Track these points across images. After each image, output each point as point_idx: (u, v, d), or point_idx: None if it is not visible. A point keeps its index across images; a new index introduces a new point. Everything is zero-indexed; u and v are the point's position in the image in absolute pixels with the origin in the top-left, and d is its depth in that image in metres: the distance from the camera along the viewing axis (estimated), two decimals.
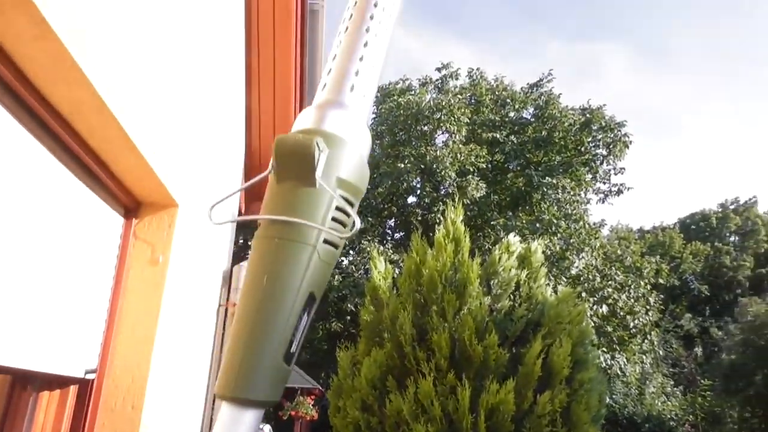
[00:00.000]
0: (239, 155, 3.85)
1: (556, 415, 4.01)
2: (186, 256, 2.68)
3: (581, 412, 4.08)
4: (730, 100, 56.64)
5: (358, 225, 0.78)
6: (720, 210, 39.63)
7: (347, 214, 0.78)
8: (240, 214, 4.16)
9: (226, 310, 3.63)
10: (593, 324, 14.20)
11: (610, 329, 14.97)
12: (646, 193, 63.55)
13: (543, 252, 5.25)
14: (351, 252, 14.60)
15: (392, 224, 16.85)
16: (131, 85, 1.83)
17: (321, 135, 0.79)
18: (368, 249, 12.39)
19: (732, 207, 39.52)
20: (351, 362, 4.60)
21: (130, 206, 2.36)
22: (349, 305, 13.38)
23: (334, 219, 0.77)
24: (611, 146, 16.39)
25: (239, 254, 15.48)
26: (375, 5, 0.93)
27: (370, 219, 15.14)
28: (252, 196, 4.36)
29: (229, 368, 0.73)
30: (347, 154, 0.80)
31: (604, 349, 14.77)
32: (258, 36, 3.44)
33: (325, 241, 0.76)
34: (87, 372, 2.13)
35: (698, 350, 26.41)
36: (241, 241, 16.60)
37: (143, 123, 1.96)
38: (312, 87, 4.08)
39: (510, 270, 4.88)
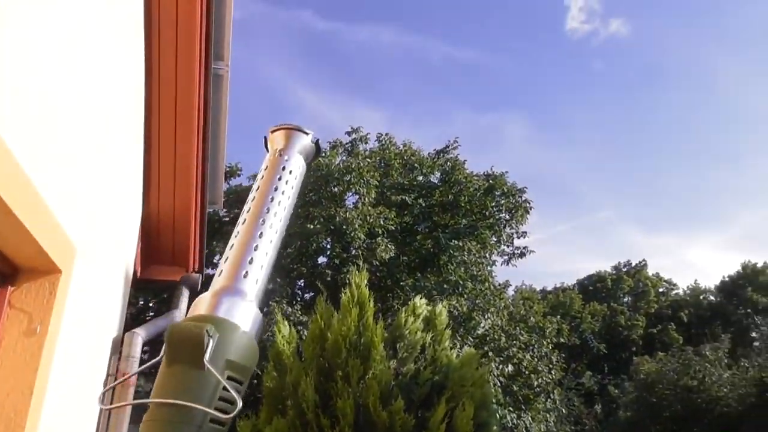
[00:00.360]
0: (135, 217, 3.71)
1: None
2: (70, 324, 2.52)
3: None
4: (620, 169, 61.17)
5: (239, 407, 0.81)
6: (614, 272, 41.93)
7: (238, 392, 0.82)
8: (135, 275, 3.97)
9: (115, 380, 3.40)
10: (500, 383, 14.41)
11: (516, 388, 15.24)
12: (548, 255, 66.57)
13: (450, 312, 5.34)
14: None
15: (302, 284, 16.63)
16: (8, 140, 1.73)
17: (212, 321, 0.84)
18: (275, 311, 12.11)
19: (625, 269, 41.94)
20: None
21: (6, 273, 2.20)
22: (255, 369, 12.91)
23: (221, 399, 0.81)
24: (513, 211, 17.15)
25: (138, 316, 14.69)
26: (271, 199, 1.03)
27: (278, 280, 14.86)
28: (149, 260, 4.18)
29: None
30: (237, 338, 0.86)
31: (511, 408, 14.98)
32: (159, 99, 3.38)
33: (212, 420, 0.79)
34: None
35: (598, 407, 27.29)
36: (141, 303, 15.80)
37: (20, 184, 1.85)
38: (215, 152, 4.04)
39: (416, 333, 4.90)
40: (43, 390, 2.26)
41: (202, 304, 0.91)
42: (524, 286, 34.99)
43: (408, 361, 4.71)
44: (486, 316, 15.00)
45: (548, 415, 16.69)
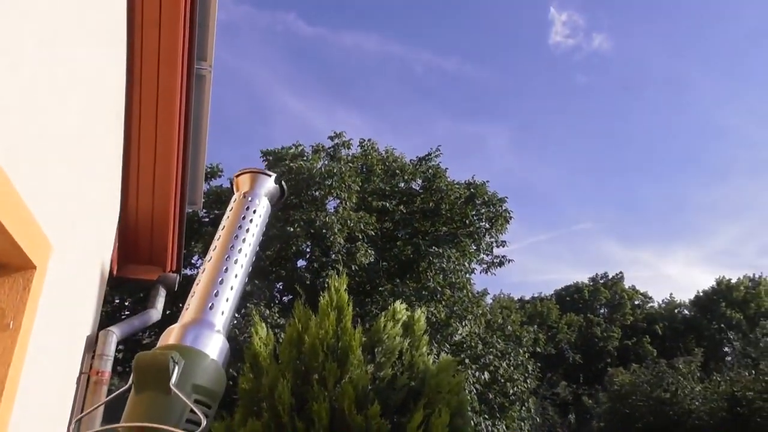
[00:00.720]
0: (113, 215, 3.68)
1: None
2: (43, 320, 2.49)
3: None
4: (601, 182, 61.95)
5: (203, 425, 0.85)
6: (591, 283, 42.33)
7: (205, 415, 0.87)
8: (111, 274, 3.93)
9: (88, 378, 3.37)
10: (476, 391, 14.47)
11: (491, 396, 15.30)
12: (527, 265, 67.07)
13: (428, 318, 5.36)
14: (236, 315, 14.00)
15: (280, 287, 16.54)
16: None
17: (179, 350, 0.89)
18: (253, 313, 12.03)
19: (602, 281, 42.35)
20: None
21: None
22: (231, 370, 12.80)
23: (188, 420, 0.85)
24: (493, 220, 17.23)
25: (114, 315, 14.50)
26: (236, 237, 1.10)
27: (257, 282, 14.79)
28: (126, 258, 4.15)
29: None
30: (203, 364, 0.91)
31: (486, 415, 15.04)
32: (140, 98, 3.37)
33: None
34: None
35: (572, 417, 27.51)
36: (117, 301, 15.61)
37: None
38: (196, 152, 4.03)
39: (395, 338, 4.91)
40: (15, 385, 2.23)
41: (170, 335, 0.96)
42: (502, 295, 35.23)
43: (385, 366, 4.72)
44: (463, 324, 15.06)
45: (523, 424, 16.78)
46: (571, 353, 34.84)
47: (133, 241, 4.09)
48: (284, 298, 16.38)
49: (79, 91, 2.59)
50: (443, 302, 14.99)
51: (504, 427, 15.25)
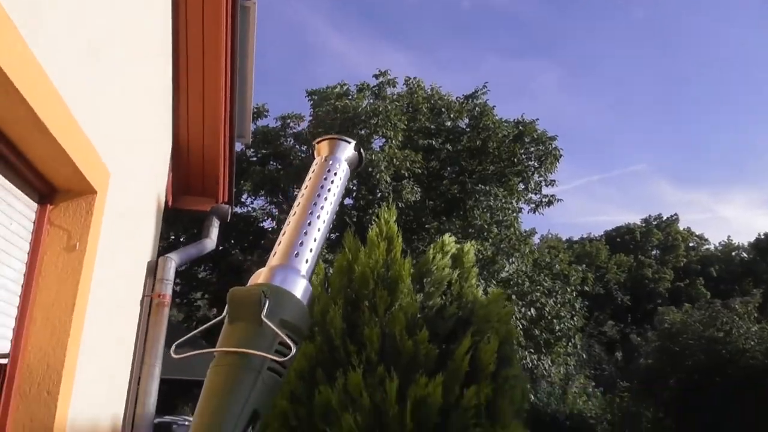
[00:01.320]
0: (165, 147, 3.77)
1: (481, 408, 4.09)
2: (106, 243, 2.60)
3: (505, 406, 4.18)
4: (657, 122, 59.71)
5: (293, 352, 0.92)
6: (644, 225, 41.38)
7: (289, 347, 0.93)
8: (167, 205, 4.06)
9: (151, 300, 3.53)
10: (522, 326, 14.59)
11: (537, 332, 15.42)
12: (576, 206, 66.05)
13: (475, 255, 5.38)
14: None
15: None
16: (43, 64, 1.76)
17: (268, 287, 0.97)
18: None
19: (655, 223, 41.31)
20: None
21: (45, 192, 2.28)
22: None
23: (277, 351, 0.92)
24: (542, 159, 16.88)
25: (169, 250, 15.08)
26: (318, 195, 1.18)
27: None
28: (179, 190, 4.26)
29: None
30: (290, 302, 0.99)
31: (531, 350, 15.21)
32: (186, 31, 3.38)
33: (269, 369, 0.91)
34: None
35: (619, 355, 27.51)
36: (172, 237, 16.16)
37: (57, 106, 1.89)
38: (243, 85, 4.04)
39: (443, 269, 4.95)
40: (84, 302, 2.36)
41: (258, 275, 1.05)
42: (550, 235, 34.91)
43: (434, 296, 4.78)
44: (510, 261, 15.05)
45: (568, 359, 16.91)
46: (620, 293, 34.54)
47: (186, 173, 4.20)
48: (331, 235, 16.65)
49: (129, 25, 2.61)
50: (490, 240, 14.97)
51: (549, 361, 15.41)
